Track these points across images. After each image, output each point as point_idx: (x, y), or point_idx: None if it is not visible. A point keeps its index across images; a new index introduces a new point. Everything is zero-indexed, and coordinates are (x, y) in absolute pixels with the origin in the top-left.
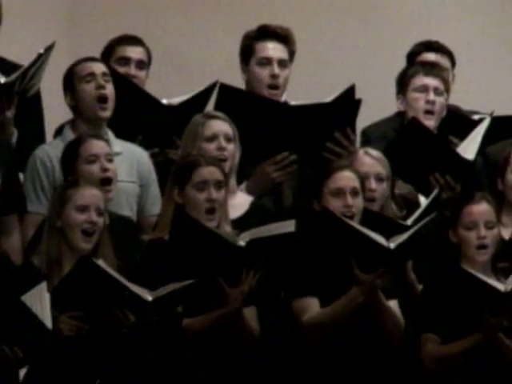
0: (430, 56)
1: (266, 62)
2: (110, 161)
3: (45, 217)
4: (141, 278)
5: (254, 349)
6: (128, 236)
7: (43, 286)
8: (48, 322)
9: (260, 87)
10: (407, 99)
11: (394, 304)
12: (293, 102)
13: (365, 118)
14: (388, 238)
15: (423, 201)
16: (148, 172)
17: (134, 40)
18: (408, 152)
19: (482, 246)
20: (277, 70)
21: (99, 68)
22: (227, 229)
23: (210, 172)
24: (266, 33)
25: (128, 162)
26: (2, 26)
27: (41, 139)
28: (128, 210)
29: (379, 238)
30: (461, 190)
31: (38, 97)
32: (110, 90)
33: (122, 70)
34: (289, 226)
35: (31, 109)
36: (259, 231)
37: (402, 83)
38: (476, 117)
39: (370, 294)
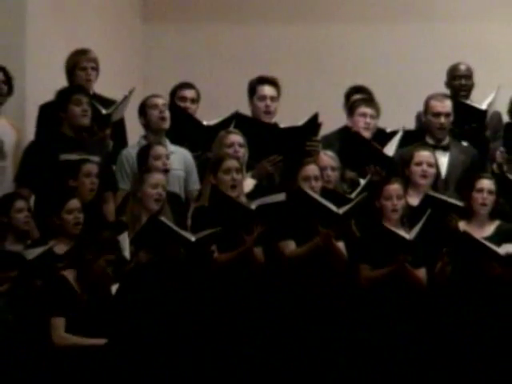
0: (359, 96)
1: (263, 98)
2: (168, 158)
3: (128, 191)
4: (192, 229)
5: (261, 270)
6: (176, 204)
7: (126, 233)
8: (127, 254)
9: (259, 113)
10: (353, 120)
11: (341, 245)
12: (281, 125)
13: (323, 129)
14: (338, 206)
15: (362, 182)
16: (191, 163)
17: (189, 85)
18: (353, 152)
19: (395, 210)
20: (269, 103)
21: (160, 101)
22: (243, 199)
23: (232, 163)
24: (263, 80)
25: (178, 157)
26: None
27: (124, 146)
28: (177, 188)
29: (332, 206)
30: (385, 175)
31: (122, 120)
32: (167, 113)
33: (182, 104)
34: (281, 197)
35: (119, 128)
36: (263, 200)
37: (351, 110)
38: (389, 130)
39: (326, 240)
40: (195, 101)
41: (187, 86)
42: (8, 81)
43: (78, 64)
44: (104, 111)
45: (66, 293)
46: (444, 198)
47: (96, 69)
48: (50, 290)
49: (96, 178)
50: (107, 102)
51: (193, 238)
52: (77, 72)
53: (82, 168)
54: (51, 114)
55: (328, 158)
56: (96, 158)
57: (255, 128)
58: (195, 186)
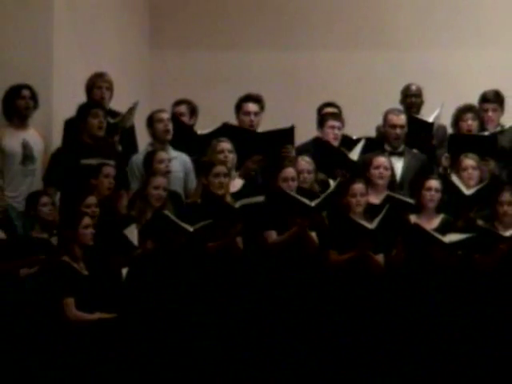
0: (330, 109)
1: (248, 113)
2: (170, 162)
3: (136, 191)
4: (187, 219)
5: (240, 256)
6: (176, 201)
7: (134, 225)
8: (135, 242)
9: (244, 126)
10: (324, 132)
11: (313, 234)
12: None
13: (300, 139)
14: (312, 201)
15: (332, 182)
16: (189, 166)
17: (182, 102)
18: (324, 158)
19: (359, 205)
20: (252, 117)
21: (165, 115)
22: (229, 198)
23: (220, 168)
24: (248, 97)
25: (179, 161)
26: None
27: (135, 150)
28: (178, 187)
29: (306, 200)
30: (349, 177)
31: (133, 128)
32: (170, 126)
33: (183, 118)
34: (260, 198)
35: (131, 135)
36: (246, 200)
37: (321, 123)
38: (355, 137)
39: (302, 229)
40: (188, 114)
41: (185, 102)
42: (33, 96)
43: (96, 84)
44: (111, 120)
45: (71, 274)
46: (401, 197)
47: (110, 88)
48: (56, 275)
49: (113, 179)
50: (119, 115)
51: (191, 229)
52: (94, 91)
53: (102, 170)
54: (73, 125)
55: (305, 162)
56: (112, 162)
57: (239, 134)
58: (193, 185)
